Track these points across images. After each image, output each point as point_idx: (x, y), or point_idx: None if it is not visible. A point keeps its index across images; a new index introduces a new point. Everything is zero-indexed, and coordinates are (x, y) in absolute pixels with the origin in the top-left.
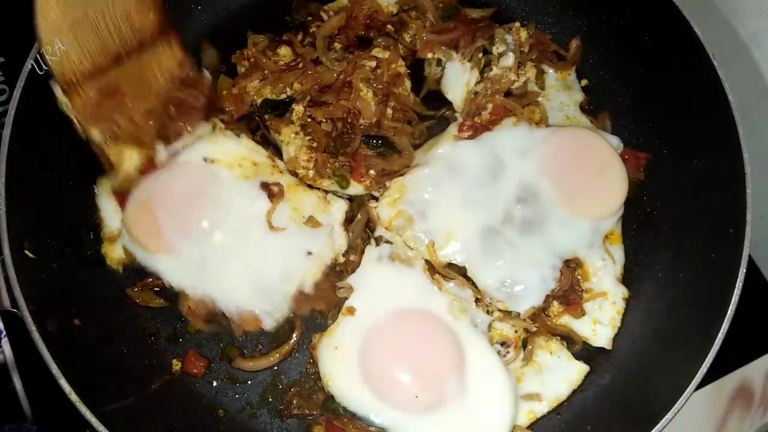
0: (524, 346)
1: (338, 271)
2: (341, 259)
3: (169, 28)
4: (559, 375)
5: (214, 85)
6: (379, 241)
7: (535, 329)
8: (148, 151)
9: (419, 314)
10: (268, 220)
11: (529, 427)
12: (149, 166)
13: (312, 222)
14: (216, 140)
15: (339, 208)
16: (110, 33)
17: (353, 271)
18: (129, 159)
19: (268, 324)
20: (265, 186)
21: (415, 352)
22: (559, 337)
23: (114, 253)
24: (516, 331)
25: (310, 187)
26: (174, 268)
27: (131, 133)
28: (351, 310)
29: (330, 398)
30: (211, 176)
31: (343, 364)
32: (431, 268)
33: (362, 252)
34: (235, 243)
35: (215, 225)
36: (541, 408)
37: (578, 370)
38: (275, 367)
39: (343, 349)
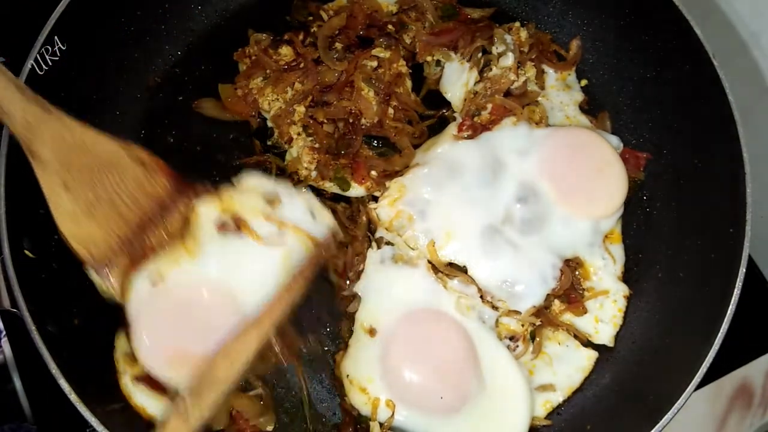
0: (533, 338)
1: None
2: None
3: (185, 185)
4: (569, 364)
5: None
6: (380, 242)
7: (539, 323)
8: None
9: (431, 314)
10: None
11: (548, 417)
12: None
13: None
14: None
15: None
16: (127, 205)
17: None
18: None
19: None
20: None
21: (435, 354)
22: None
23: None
24: (522, 326)
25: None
26: None
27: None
28: (372, 332)
29: (358, 415)
30: None
31: (366, 378)
32: (434, 266)
33: (364, 257)
34: None
35: None
36: (557, 397)
37: (588, 356)
38: None
39: (364, 362)
